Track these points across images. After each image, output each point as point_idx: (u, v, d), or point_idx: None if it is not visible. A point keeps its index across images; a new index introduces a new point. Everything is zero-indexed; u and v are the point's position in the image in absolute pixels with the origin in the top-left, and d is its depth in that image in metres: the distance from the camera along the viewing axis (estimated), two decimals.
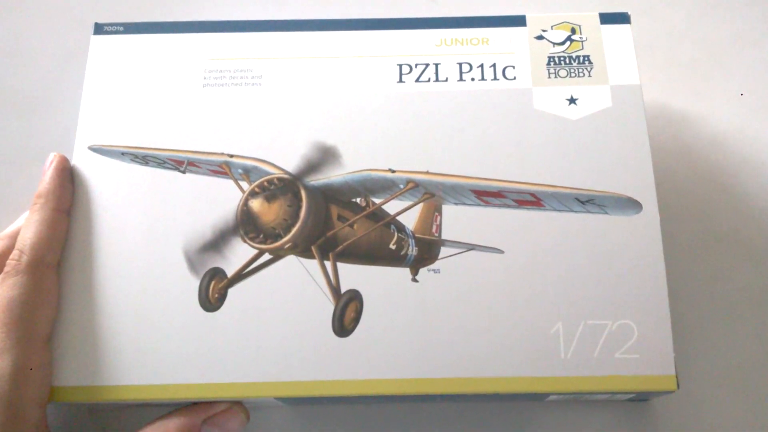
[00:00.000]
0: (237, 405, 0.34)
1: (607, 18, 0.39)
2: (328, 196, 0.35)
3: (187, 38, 0.38)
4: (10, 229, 0.35)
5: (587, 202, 0.34)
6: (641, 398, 0.36)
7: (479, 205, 0.35)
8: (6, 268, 0.33)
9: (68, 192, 0.35)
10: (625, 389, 0.32)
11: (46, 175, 0.35)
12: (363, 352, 0.33)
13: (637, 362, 0.32)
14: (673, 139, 0.44)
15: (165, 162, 0.36)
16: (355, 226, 0.35)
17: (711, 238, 0.41)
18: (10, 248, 0.34)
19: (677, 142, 0.44)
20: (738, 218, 0.42)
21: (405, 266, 0.34)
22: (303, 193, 0.35)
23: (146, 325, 0.33)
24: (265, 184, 0.35)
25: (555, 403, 0.37)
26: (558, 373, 0.32)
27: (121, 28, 0.39)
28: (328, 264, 0.34)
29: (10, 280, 0.32)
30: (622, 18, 0.39)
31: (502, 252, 0.34)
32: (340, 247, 0.34)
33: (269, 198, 0.35)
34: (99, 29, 0.39)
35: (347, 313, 0.33)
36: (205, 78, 0.37)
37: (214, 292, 0.34)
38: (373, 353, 0.32)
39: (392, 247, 0.35)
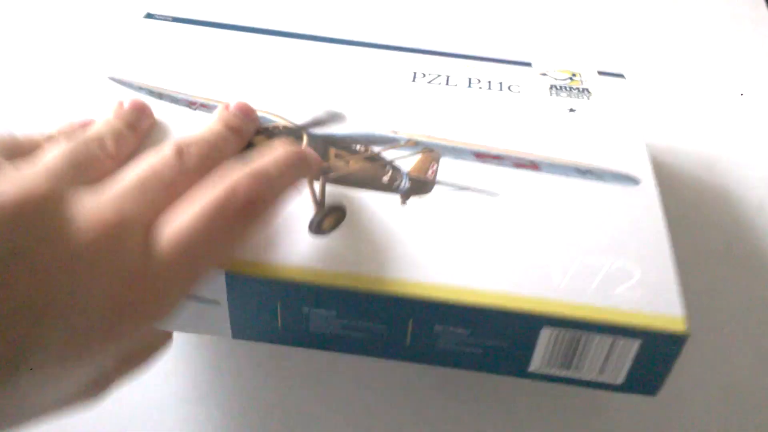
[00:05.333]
0: None
1: (604, 73, 0.43)
2: (329, 141, 0.35)
3: (223, 32, 0.43)
4: None
5: (586, 172, 0.34)
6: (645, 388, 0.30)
7: (476, 161, 0.35)
8: None
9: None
10: (626, 323, 0.28)
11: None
12: (342, 247, 0.30)
13: (640, 299, 0.28)
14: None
15: (179, 100, 0.37)
16: (350, 162, 0.34)
17: (711, 250, 0.40)
18: None
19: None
20: (737, 231, 0.41)
21: (396, 193, 0.33)
22: (305, 138, 0.35)
23: None
24: (270, 128, 0.35)
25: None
26: (552, 296, 0.28)
27: (170, 19, 0.43)
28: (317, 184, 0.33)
29: None
30: (618, 75, 0.43)
31: (496, 195, 0.33)
32: (333, 174, 0.33)
33: (271, 137, 0.35)
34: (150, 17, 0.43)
35: (326, 221, 0.31)
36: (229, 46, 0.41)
37: None
38: (353, 249, 0.29)
39: (385, 180, 0.34)
